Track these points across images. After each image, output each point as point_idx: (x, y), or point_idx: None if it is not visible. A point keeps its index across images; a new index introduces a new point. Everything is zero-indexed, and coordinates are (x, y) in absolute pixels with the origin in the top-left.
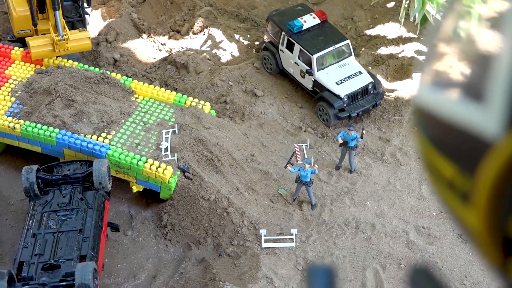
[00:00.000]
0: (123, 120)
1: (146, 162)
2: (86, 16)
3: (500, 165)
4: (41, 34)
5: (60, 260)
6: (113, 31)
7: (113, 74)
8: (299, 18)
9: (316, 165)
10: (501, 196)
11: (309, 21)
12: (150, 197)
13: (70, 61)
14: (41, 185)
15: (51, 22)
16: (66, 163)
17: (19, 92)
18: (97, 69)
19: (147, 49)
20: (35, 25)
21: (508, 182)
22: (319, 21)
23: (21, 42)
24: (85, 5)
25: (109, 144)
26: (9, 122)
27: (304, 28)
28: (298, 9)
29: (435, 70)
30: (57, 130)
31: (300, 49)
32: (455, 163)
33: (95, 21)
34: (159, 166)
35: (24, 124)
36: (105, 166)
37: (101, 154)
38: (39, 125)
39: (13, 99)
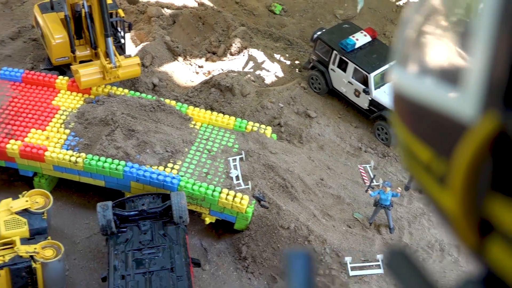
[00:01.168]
0: (186, 149)
1: (221, 192)
2: (122, 40)
3: (474, 148)
4: (80, 62)
5: None
6: (148, 55)
7: (167, 100)
8: (350, 37)
9: (399, 188)
10: (476, 178)
11: (361, 39)
12: (221, 228)
13: (121, 89)
14: (117, 222)
15: (101, 49)
16: (137, 197)
17: (73, 124)
18: (149, 96)
19: (185, 72)
20: (73, 51)
21: (482, 164)
22: (370, 39)
23: (58, 70)
24: (127, 30)
25: (178, 174)
26: (70, 156)
27: (356, 46)
28: (345, 26)
29: (411, 55)
30: (122, 162)
31: (355, 68)
32: (431, 147)
33: (127, 45)
34: (235, 196)
35: (86, 158)
36: (184, 199)
37: (173, 186)
38: (102, 158)
39: (67, 131)
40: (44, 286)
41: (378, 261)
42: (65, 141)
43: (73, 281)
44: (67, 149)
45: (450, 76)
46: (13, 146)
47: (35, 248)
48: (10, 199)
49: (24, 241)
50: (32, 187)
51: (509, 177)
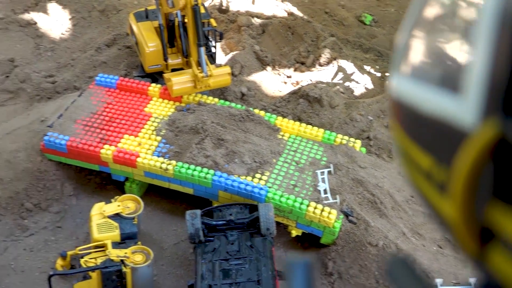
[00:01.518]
0: (274, 160)
1: (309, 205)
2: (213, 49)
3: (475, 155)
4: (172, 70)
5: None
6: (237, 64)
7: (256, 110)
8: None
9: None
10: (477, 185)
11: None
12: (307, 241)
13: (211, 98)
14: (205, 230)
15: (193, 58)
16: (224, 206)
17: (164, 131)
18: (238, 106)
19: (273, 82)
20: (166, 59)
21: (483, 171)
22: None
23: (150, 77)
24: (218, 39)
25: (266, 185)
26: (161, 163)
27: None
28: None
29: (410, 61)
30: (211, 171)
31: None
32: (431, 154)
33: (217, 54)
34: (323, 210)
35: (176, 165)
36: (272, 210)
37: (260, 197)
38: (192, 166)
39: (158, 138)
40: None
41: (471, 284)
42: (156, 148)
43: (160, 286)
44: (158, 156)
45: (449, 83)
46: (107, 151)
47: (125, 253)
48: (103, 203)
49: (115, 245)
50: (123, 192)
51: (510, 184)
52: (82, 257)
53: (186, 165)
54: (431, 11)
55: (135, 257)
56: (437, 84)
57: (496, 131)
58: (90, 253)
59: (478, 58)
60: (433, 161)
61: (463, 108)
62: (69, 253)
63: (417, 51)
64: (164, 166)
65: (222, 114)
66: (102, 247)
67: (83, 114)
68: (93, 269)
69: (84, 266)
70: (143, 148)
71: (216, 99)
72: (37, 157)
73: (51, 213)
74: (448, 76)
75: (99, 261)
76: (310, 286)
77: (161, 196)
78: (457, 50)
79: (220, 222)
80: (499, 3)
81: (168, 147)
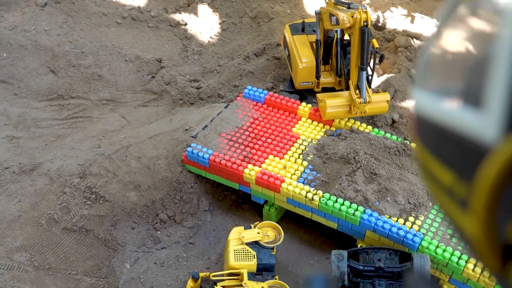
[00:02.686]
0: (430, 203)
1: (468, 261)
2: (370, 72)
3: (497, 171)
4: (322, 88)
5: None
6: (391, 88)
7: (413, 144)
8: None
9: None
10: (499, 202)
11: None
12: None
13: (364, 125)
14: (350, 275)
15: (352, 82)
16: (372, 249)
17: (311, 156)
18: (394, 137)
19: None
20: (318, 77)
21: (506, 188)
22: None
23: (299, 93)
24: (378, 61)
25: (420, 231)
26: (307, 192)
27: None
28: None
29: (431, 75)
30: (361, 208)
31: None
32: (453, 170)
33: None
34: (484, 269)
35: (323, 197)
36: (428, 264)
37: (414, 245)
38: (340, 200)
39: (305, 163)
40: None
41: None
42: (302, 174)
43: None
44: (303, 183)
45: (472, 98)
46: (251, 172)
47: (262, 287)
48: (242, 227)
49: (251, 275)
50: (259, 213)
51: None
52: (215, 284)
53: (333, 198)
54: (455, 25)
55: None
56: (459, 99)
57: None
58: (223, 279)
59: (501, 72)
60: (454, 177)
61: (485, 123)
62: (201, 274)
63: (439, 65)
64: (310, 195)
65: (376, 145)
66: (237, 275)
67: (228, 128)
68: None
69: None
70: (288, 173)
71: (370, 127)
72: (177, 167)
73: (184, 228)
74: (470, 90)
75: None
76: None
77: (299, 223)
78: (479, 64)
79: (368, 268)
80: None
81: (314, 174)
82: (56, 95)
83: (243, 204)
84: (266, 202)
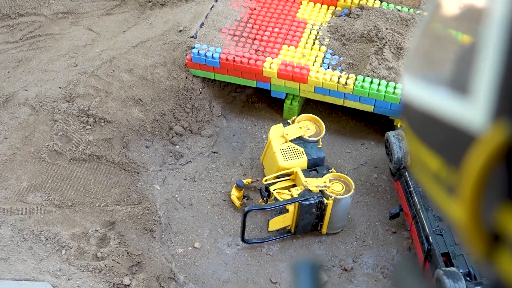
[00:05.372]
0: None
1: None
2: None
3: (483, 158)
4: None
5: None
6: None
7: (425, 13)
8: None
9: None
10: (486, 188)
11: None
12: None
13: (371, 0)
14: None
15: None
16: None
17: (327, 40)
18: (405, 8)
19: None
20: None
21: (492, 174)
22: None
23: None
24: None
25: None
26: (339, 77)
27: None
28: None
29: (420, 62)
30: (398, 85)
31: None
32: (440, 155)
33: None
34: None
35: (357, 79)
36: None
37: None
38: (375, 80)
39: (323, 48)
40: (329, 223)
41: None
42: (324, 60)
43: (352, 216)
44: (327, 69)
45: (459, 84)
46: (271, 65)
47: (324, 182)
48: (280, 125)
49: (305, 173)
50: (276, 111)
51: None
52: (266, 189)
53: (368, 79)
54: (443, 13)
55: (334, 186)
56: (447, 85)
57: (506, 133)
58: (274, 183)
59: (488, 59)
60: (442, 163)
61: (472, 110)
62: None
63: (428, 52)
64: (342, 80)
65: (392, 19)
66: (288, 175)
67: (227, 22)
68: (292, 202)
69: (280, 199)
70: (309, 61)
71: (378, 2)
72: (180, 73)
73: (204, 137)
74: (457, 77)
75: (294, 193)
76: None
77: (320, 113)
78: (467, 52)
79: None
80: (509, 4)
81: (337, 58)
82: (0, 15)
83: (254, 103)
84: (286, 96)
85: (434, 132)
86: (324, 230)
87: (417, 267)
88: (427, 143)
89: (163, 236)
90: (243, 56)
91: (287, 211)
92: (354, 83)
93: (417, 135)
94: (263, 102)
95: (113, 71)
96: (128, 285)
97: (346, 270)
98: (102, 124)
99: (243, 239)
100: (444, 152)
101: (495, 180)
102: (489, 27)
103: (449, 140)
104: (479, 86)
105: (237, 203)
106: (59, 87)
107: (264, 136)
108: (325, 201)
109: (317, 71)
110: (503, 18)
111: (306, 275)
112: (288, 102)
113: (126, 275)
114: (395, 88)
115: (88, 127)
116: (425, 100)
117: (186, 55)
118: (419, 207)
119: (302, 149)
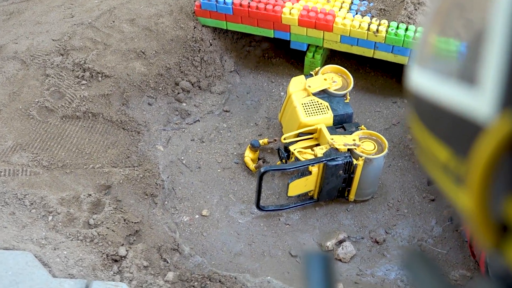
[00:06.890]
0: None
1: None
2: None
3: (491, 148)
4: None
5: None
6: None
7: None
8: None
9: None
10: (494, 178)
11: None
12: None
13: None
14: None
15: None
16: None
17: None
18: None
19: None
20: None
21: (500, 164)
22: None
23: None
24: None
25: None
26: (369, 24)
27: None
28: None
29: (428, 52)
30: None
31: None
32: (448, 146)
33: None
34: None
35: (390, 26)
36: None
37: None
38: (411, 27)
39: None
40: (358, 188)
41: None
42: (351, 6)
43: (383, 182)
44: (355, 15)
45: (467, 75)
46: (292, 11)
47: (353, 140)
48: (302, 76)
49: (331, 130)
50: (295, 66)
51: None
52: (286, 149)
53: (402, 26)
54: (449, 5)
55: (364, 145)
56: (454, 75)
57: None
58: (295, 142)
59: (495, 48)
60: (450, 153)
61: (479, 100)
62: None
63: (435, 42)
64: (373, 27)
65: None
66: (310, 134)
67: None
68: (316, 163)
69: (301, 159)
70: (334, 6)
71: None
72: (188, 22)
73: (214, 94)
74: (465, 68)
75: (318, 152)
76: (328, 281)
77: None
78: (475, 42)
79: None
80: None
81: (366, 4)
82: None
83: (271, 58)
84: (308, 47)
85: (443, 123)
86: (352, 196)
87: (433, 259)
88: (435, 134)
89: (166, 202)
90: (260, 1)
91: (310, 173)
92: (386, 30)
93: (426, 126)
94: (281, 57)
95: (113, 21)
96: (124, 257)
97: (377, 242)
98: (100, 79)
99: (258, 206)
100: (452, 142)
101: (503, 170)
102: (496, 16)
103: (457, 130)
104: (486, 76)
105: (252, 165)
106: (53, 40)
107: (282, 93)
108: (354, 161)
109: (344, 17)
110: (509, 6)
111: (318, 267)
112: (310, 55)
113: (122, 245)
114: None
115: (84, 82)
116: (434, 91)
117: (195, 1)
118: None
119: (327, 103)
